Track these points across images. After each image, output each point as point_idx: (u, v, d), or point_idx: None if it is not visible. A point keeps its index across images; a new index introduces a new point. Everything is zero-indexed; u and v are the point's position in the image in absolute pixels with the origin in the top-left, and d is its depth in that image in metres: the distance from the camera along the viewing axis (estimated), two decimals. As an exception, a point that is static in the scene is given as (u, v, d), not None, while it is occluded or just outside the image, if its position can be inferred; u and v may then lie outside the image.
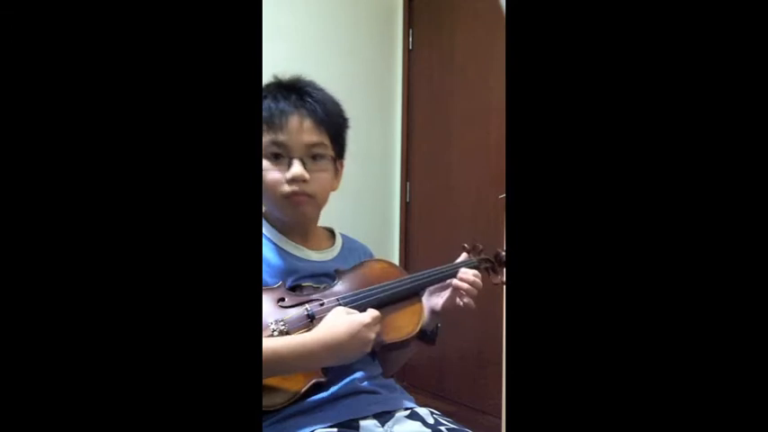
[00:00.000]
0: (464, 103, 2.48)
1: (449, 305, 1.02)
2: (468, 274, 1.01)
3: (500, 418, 1.66)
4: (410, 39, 2.72)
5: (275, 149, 0.94)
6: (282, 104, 0.96)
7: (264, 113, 0.95)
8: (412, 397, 0.97)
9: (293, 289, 0.95)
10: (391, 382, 0.99)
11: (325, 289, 0.96)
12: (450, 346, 2.41)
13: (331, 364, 0.88)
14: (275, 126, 0.94)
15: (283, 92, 0.97)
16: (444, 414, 0.95)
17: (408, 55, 2.73)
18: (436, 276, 1.03)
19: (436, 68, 2.62)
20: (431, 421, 0.91)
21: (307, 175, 0.94)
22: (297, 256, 0.99)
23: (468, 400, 2.39)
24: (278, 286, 0.93)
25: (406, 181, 2.76)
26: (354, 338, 0.85)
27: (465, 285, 1.00)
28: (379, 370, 0.98)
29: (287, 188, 0.94)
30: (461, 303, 1.00)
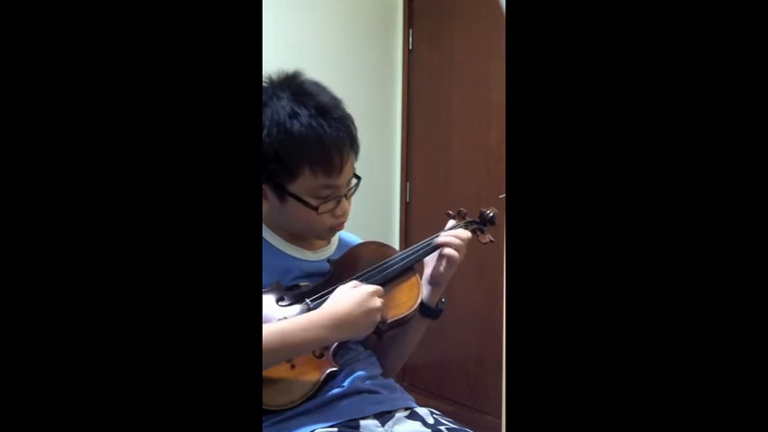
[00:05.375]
0: (464, 103, 2.48)
1: (437, 270, 1.02)
2: (448, 234, 1.02)
3: (500, 418, 1.66)
4: (410, 39, 2.71)
5: (327, 192, 0.93)
6: (341, 145, 0.92)
7: (324, 153, 0.90)
8: (412, 397, 0.97)
9: (290, 289, 0.95)
10: (391, 382, 0.99)
11: (321, 281, 0.97)
12: (451, 346, 2.40)
13: (341, 339, 0.89)
14: (333, 170, 0.91)
15: (333, 123, 0.91)
16: (444, 414, 0.95)
17: (408, 55, 2.72)
18: (427, 248, 1.03)
19: (436, 68, 2.61)
20: (431, 421, 0.91)
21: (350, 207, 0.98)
22: (293, 257, 0.99)
23: (468, 400, 2.38)
24: (275, 286, 0.93)
25: (406, 181, 2.75)
26: (361, 307, 0.85)
27: (449, 241, 1.01)
28: (380, 370, 0.98)
29: (334, 221, 0.97)
30: (444, 266, 1.01)
